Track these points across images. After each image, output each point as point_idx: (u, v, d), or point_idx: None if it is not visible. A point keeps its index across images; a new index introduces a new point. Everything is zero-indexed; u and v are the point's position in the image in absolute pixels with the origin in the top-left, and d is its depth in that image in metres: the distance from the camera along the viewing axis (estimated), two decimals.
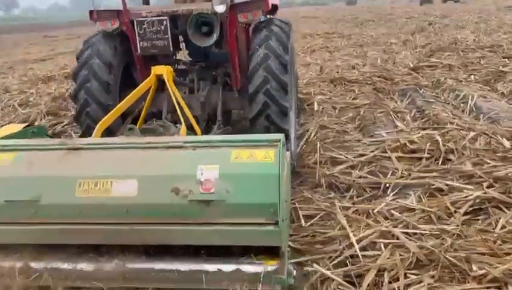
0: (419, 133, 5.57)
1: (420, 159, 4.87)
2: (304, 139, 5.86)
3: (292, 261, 3.20)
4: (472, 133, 5.15)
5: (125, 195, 2.82)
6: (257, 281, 2.72)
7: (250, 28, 4.94)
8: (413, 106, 7.14)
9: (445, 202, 3.83)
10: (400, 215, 3.74)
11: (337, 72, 9.72)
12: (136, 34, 4.53)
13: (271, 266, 2.77)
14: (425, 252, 3.11)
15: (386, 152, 5.06)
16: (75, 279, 2.89)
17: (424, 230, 3.46)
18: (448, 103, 7.13)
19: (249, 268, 2.78)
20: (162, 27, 4.46)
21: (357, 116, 6.79)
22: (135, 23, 4.52)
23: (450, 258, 3.00)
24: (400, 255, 3.16)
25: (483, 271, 2.87)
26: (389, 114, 6.82)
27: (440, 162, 4.72)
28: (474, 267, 2.90)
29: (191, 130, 3.99)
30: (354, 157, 5.02)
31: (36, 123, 6.96)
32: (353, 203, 4.14)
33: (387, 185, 4.34)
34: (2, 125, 7.10)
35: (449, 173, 4.42)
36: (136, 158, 3.01)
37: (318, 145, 5.28)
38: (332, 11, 33.58)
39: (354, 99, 7.83)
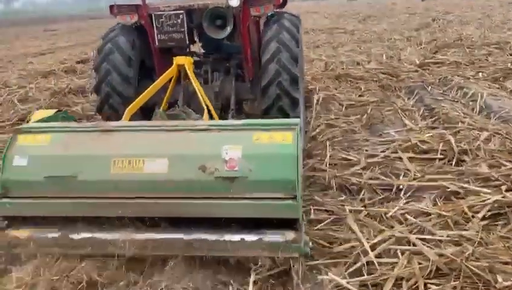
0: (429, 132, 5.43)
1: (432, 160, 4.73)
2: (311, 137, 5.71)
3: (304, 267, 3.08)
4: (485, 133, 5.00)
5: (157, 172, 3.14)
6: (277, 250, 3.01)
7: (260, 21, 5.17)
8: (422, 104, 6.99)
9: (462, 206, 3.68)
10: (415, 219, 3.59)
11: (342, 69, 9.56)
12: (154, 27, 4.77)
13: (289, 236, 3.04)
14: (445, 261, 2.97)
15: (397, 152, 4.91)
16: (111, 248, 3.15)
17: (442, 236, 3.31)
18: (457, 101, 6.98)
19: (269, 238, 3.05)
20: (179, 21, 4.68)
21: (364, 114, 6.63)
22: (153, 17, 4.75)
23: (472, 267, 2.85)
24: (419, 263, 3.01)
25: (508, 283, 2.72)
26: (397, 112, 6.68)
27: (453, 164, 4.57)
28: (499, 278, 2.75)
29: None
30: (365, 157, 4.86)
31: None
32: (364, 206, 4.00)
33: (400, 187, 4.18)
34: (2, 122, 6.99)
35: (464, 175, 4.27)
36: (166, 139, 3.32)
37: (328, 146, 5.12)
38: (334, 6, 33.27)
39: (360, 96, 7.68)
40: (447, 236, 3.30)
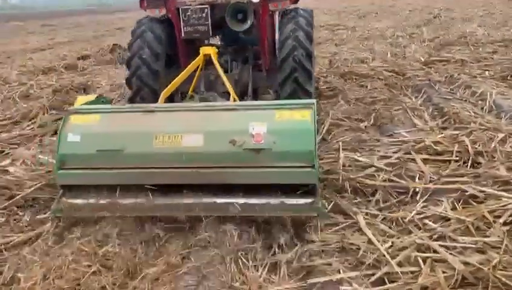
0: (441, 133, 5.33)
1: (447, 161, 4.62)
2: (320, 137, 5.61)
3: (323, 279, 2.99)
4: (500, 135, 4.89)
5: (193, 145, 3.66)
6: (299, 210, 3.59)
7: (275, 15, 5.71)
8: (430, 103, 6.89)
9: (482, 210, 3.57)
10: (434, 225, 3.49)
11: (347, 66, 9.45)
12: (181, 20, 5.15)
13: (309, 199, 3.61)
14: (471, 270, 2.87)
15: (410, 154, 4.80)
16: (156, 211, 3.71)
17: (464, 243, 3.21)
18: (466, 100, 6.87)
19: (291, 201, 3.62)
20: (204, 14, 5.08)
21: (372, 113, 6.53)
22: (180, 11, 5.15)
23: (501, 277, 2.75)
24: (443, 271, 2.92)
25: None
26: (405, 111, 6.59)
27: (469, 166, 4.47)
28: None
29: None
30: (377, 159, 4.75)
31: (39, 117, 6.69)
32: (380, 210, 3.90)
33: (416, 190, 4.08)
34: (3, 120, 6.86)
35: (481, 177, 4.17)
36: (200, 117, 3.88)
37: (339, 147, 5.01)
38: (333, 2, 33.08)
39: (366, 95, 7.57)
40: (470, 243, 3.20)
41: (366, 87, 8.00)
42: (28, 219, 4.08)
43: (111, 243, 3.49)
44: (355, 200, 4.07)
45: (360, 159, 4.83)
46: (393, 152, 4.92)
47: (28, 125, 6.58)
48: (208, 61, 4.98)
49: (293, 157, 3.58)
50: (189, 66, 4.92)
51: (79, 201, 3.82)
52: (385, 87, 8.00)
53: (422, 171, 4.44)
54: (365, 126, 6.07)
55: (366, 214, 3.78)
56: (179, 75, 4.81)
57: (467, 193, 3.89)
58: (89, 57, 13.17)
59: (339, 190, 4.23)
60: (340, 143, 5.19)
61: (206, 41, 5.67)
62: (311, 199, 3.61)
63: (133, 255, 3.39)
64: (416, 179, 4.29)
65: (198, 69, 5.01)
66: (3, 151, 5.72)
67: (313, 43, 5.23)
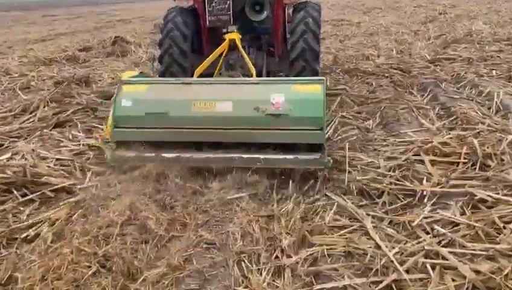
0: (449, 133, 5.23)
1: (454, 164, 4.52)
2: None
3: (329, 285, 2.91)
4: (509, 137, 4.79)
5: (225, 111, 4.49)
6: (309, 164, 4.40)
7: (287, 8, 6.31)
8: (436, 103, 6.79)
9: (492, 216, 3.48)
10: (443, 230, 3.40)
11: (352, 63, 9.35)
12: (207, 10, 5.78)
13: (317, 155, 4.41)
14: (482, 278, 2.78)
15: (417, 155, 4.70)
16: (195, 162, 4.53)
17: (474, 250, 3.12)
18: (472, 100, 6.77)
19: (303, 156, 4.43)
20: (226, 6, 5.71)
21: (378, 111, 6.44)
22: (206, 2, 5.77)
23: None
24: (452, 279, 2.84)
25: None
26: (411, 110, 6.49)
27: (478, 168, 4.37)
28: None
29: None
30: (384, 160, 4.66)
31: (39, 111, 6.59)
32: (386, 213, 3.82)
33: (424, 193, 3.99)
34: (3, 112, 6.76)
35: (490, 181, 4.08)
36: (230, 89, 4.74)
37: (345, 147, 4.92)
38: None
39: (372, 92, 7.49)
40: (480, 250, 3.11)
41: (372, 84, 7.91)
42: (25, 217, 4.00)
43: (111, 244, 3.40)
44: (362, 203, 3.98)
45: (366, 159, 4.75)
46: (400, 153, 4.83)
47: (29, 119, 6.46)
48: (231, 46, 5.61)
49: (305, 121, 4.38)
50: (217, 49, 5.59)
51: (130, 154, 4.61)
52: (390, 85, 7.92)
53: (429, 173, 4.35)
54: (371, 125, 5.97)
55: (373, 217, 3.70)
56: (209, 57, 5.55)
57: (476, 197, 3.79)
58: (91, 48, 13.06)
59: (345, 191, 4.15)
60: (343, 143, 5.10)
61: (224, 30, 6.05)
62: (319, 155, 4.39)
63: (133, 256, 3.30)
64: (424, 182, 4.19)
65: (224, 52, 5.62)
66: (3, 145, 5.61)
67: (320, 29, 5.95)
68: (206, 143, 4.61)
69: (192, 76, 5.53)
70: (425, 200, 3.91)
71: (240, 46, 5.57)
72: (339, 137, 5.51)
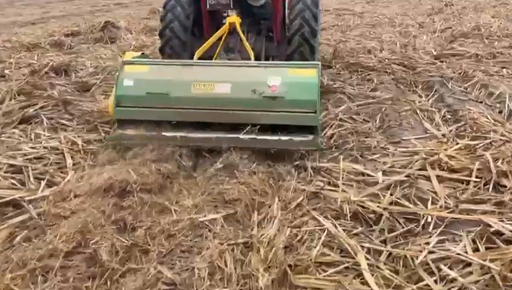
0: (457, 143, 4.64)
1: (464, 182, 3.93)
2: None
3: None
4: None
5: (223, 92, 4.56)
6: (302, 145, 4.48)
7: None
8: (442, 104, 6.17)
9: (511, 254, 2.89)
10: (451, 272, 2.82)
11: (352, 57, 8.70)
12: None
13: (310, 137, 4.52)
14: None
15: (422, 169, 4.13)
16: (195, 142, 4.58)
17: None
18: (482, 102, 6.19)
19: (297, 138, 4.50)
20: None
21: (378, 113, 5.83)
22: None
23: None
24: None
25: None
26: (415, 112, 5.88)
27: (491, 188, 3.78)
28: None
29: None
30: (383, 173, 4.07)
31: (5, 104, 5.97)
32: (384, 242, 3.24)
33: (429, 218, 3.40)
34: None
35: (506, 207, 3.50)
36: (229, 71, 4.82)
37: (339, 157, 4.34)
38: None
39: (372, 90, 6.87)
40: None
41: (373, 81, 7.28)
42: None
43: (49, 281, 2.81)
44: (356, 229, 3.39)
45: (363, 171, 4.16)
46: (402, 165, 4.24)
47: None
48: (231, 30, 5.65)
49: (300, 104, 4.48)
50: (217, 32, 5.65)
51: (131, 132, 4.67)
52: (393, 83, 7.28)
53: (435, 193, 3.77)
54: (370, 129, 5.37)
55: (368, 250, 3.11)
56: (209, 39, 5.60)
57: (490, 229, 3.20)
58: (79, 34, 12.37)
59: (337, 214, 3.55)
60: (338, 152, 4.57)
61: (224, 14, 6.16)
62: (312, 137, 4.52)
63: None
64: (429, 204, 3.61)
65: (224, 35, 5.64)
66: None
67: (318, 22, 6.05)
68: (205, 123, 4.66)
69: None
70: (431, 228, 3.33)
71: (239, 30, 5.63)
72: (334, 143, 4.91)
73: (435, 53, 8.84)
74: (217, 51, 5.68)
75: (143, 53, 5.91)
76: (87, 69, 8.52)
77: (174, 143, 4.49)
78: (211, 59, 5.51)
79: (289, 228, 3.41)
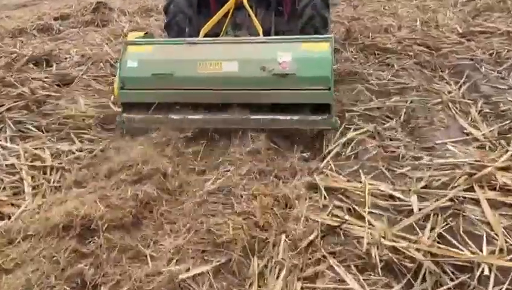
0: (506, 151, 3.74)
1: None
2: (333, 150, 4.11)
3: None
4: None
5: (231, 71, 4.36)
6: (316, 124, 4.33)
7: None
8: (478, 95, 5.27)
9: None
10: None
11: (368, 37, 7.72)
12: None
13: (324, 115, 4.28)
14: None
15: (468, 187, 3.25)
16: (201, 124, 4.43)
17: None
18: None
19: (310, 117, 4.31)
20: None
21: (402, 107, 4.94)
22: None
23: None
24: None
25: None
26: (446, 106, 4.98)
27: None
28: None
29: None
30: (418, 196, 3.20)
31: None
32: None
33: (484, 269, 2.53)
34: None
35: None
36: (236, 48, 4.61)
37: (362, 175, 3.47)
38: None
39: (393, 77, 5.95)
40: None
41: (393, 67, 6.35)
42: None
43: None
44: (389, 286, 2.53)
45: (393, 194, 3.30)
46: (442, 184, 3.36)
47: None
48: (238, 4, 5.38)
49: (313, 81, 4.20)
50: (223, 7, 5.34)
51: (137, 115, 4.48)
52: (416, 68, 6.35)
53: (489, 224, 2.90)
54: (395, 129, 4.49)
55: None
56: (216, 15, 5.26)
57: None
58: (69, 16, 11.45)
59: (364, 264, 2.68)
60: (357, 164, 3.69)
61: None
62: (326, 116, 4.25)
63: None
64: (484, 244, 2.74)
65: (231, 11, 5.39)
66: None
67: None
68: (214, 104, 4.45)
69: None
70: (491, 284, 2.46)
71: (246, 4, 5.34)
72: (352, 152, 4.04)
73: (460, 30, 7.84)
74: (224, 28, 5.45)
75: (147, 32, 5.61)
76: (71, 58, 7.67)
77: (180, 126, 4.36)
78: (218, 36, 5.21)
79: (299, 281, 2.57)
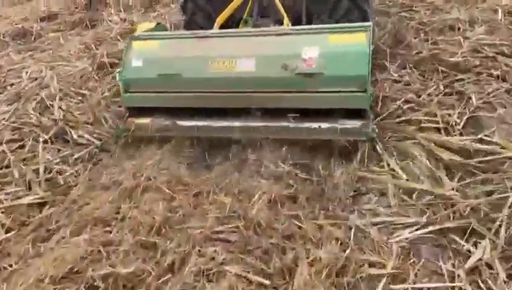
0: None
1: None
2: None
3: None
4: None
5: (247, 70, 3.82)
6: (348, 134, 3.64)
7: None
8: None
9: None
10: None
11: (426, 41, 5.33)
12: None
13: (358, 123, 3.63)
14: None
15: None
16: (213, 132, 4.00)
17: None
18: None
19: (341, 125, 3.67)
20: None
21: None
22: None
23: None
24: None
25: None
26: None
27: None
28: None
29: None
30: None
31: None
32: None
33: None
34: None
35: None
36: (254, 42, 4.01)
37: None
38: None
39: (472, 124, 3.68)
40: None
41: (469, 99, 4.05)
42: None
43: None
44: None
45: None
46: None
47: None
48: None
49: (344, 81, 3.58)
50: None
51: (144, 121, 4.13)
52: (506, 95, 4.03)
53: None
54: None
55: None
56: (233, 2, 4.60)
57: None
58: (56, 17, 9.60)
59: None
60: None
61: None
62: (361, 123, 3.62)
63: None
64: None
65: None
66: None
67: None
68: (227, 109, 3.95)
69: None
70: None
71: None
72: None
73: None
74: (245, 15, 4.87)
75: (159, 23, 5.28)
76: (20, 82, 5.76)
77: (190, 134, 4.00)
78: (237, 26, 4.74)
79: None
